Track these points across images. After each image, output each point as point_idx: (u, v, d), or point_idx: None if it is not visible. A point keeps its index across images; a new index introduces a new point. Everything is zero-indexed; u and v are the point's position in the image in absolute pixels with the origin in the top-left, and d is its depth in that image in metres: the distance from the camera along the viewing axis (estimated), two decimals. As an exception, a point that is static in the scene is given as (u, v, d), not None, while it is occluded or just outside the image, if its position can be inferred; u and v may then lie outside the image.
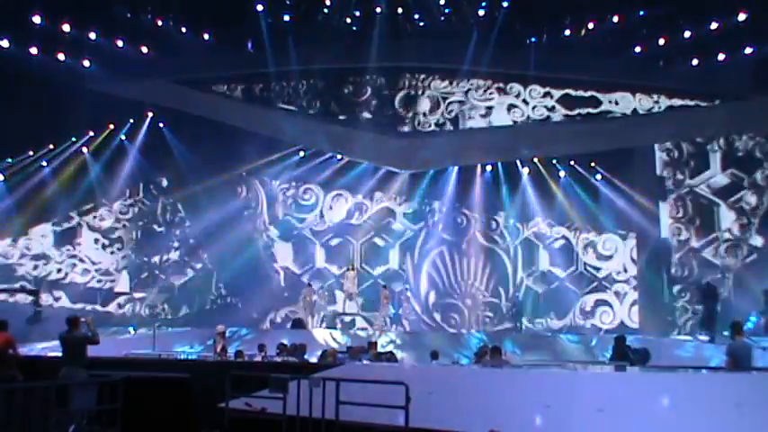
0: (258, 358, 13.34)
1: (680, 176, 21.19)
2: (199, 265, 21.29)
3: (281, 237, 22.31)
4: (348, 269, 20.80)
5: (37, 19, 17.16)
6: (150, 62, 19.13)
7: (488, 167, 22.39)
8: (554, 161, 21.79)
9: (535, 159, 21.72)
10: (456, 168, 22.27)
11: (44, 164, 20.61)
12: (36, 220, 20.53)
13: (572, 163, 21.74)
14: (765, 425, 5.33)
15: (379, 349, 14.96)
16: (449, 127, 21.55)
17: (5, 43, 17.34)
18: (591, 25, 18.35)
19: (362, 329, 19.12)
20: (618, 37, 18.39)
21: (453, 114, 21.46)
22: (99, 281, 21.10)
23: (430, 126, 21.79)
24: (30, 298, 18.07)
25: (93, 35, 18.27)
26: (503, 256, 22.19)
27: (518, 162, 21.95)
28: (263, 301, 21.06)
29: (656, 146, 21.08)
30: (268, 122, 20.96)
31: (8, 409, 7.16)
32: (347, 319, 20.50)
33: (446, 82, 21.30)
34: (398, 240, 22.29)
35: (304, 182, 22.32)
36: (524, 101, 21.12)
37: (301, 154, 22.17)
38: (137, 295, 21.09)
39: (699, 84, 19.13)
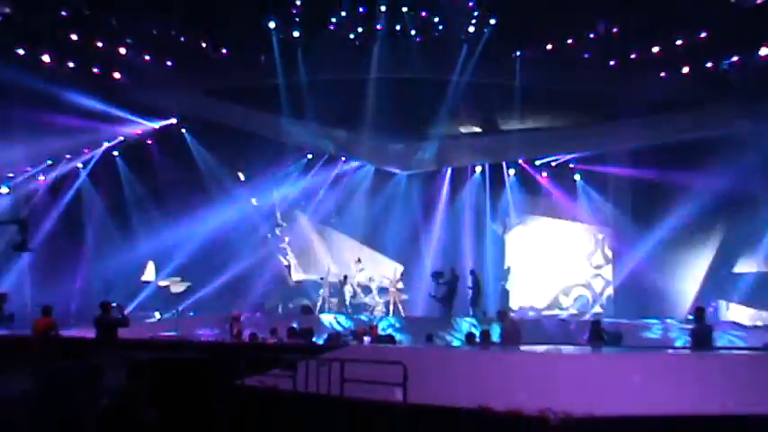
0: (270, 341, 13.33)
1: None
2: (217, 260, 21.01)
3: (291, 233, 22.37)
4: (356, 261, 20.96)
5: (74, 36, 17.27)
6: (174, 74, 19.17)
7: (478, 168, 22.52)
8: (536, 162, 21.99)
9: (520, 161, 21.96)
10: (449, 169, 22.49)
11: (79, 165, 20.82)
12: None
13: (553, 164, 21.88)
14: (723, 397, 5.41)
15: (380, 332, 15.05)
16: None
17: (47, 58, 17.44)
18: (570, 41, 18.35)
19: (365, 314, 19.14)
20: (597, 50, 18.42)
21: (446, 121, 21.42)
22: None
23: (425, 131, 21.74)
24: None
25: (123, 50, 18.39)
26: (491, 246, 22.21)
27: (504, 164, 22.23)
28: (276, 290, 21.19)
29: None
30: (279, 128, 21.03)
31: (48, 385, 7.11)
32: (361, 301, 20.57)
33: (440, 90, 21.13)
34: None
35: (311, 182, 22.34)
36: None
37: (309, 156, 22.36)
38: (161, 283, 21.04)
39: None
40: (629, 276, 20.17)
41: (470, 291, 17.97)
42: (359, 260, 20.70)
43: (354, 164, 22.52)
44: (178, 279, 20.98)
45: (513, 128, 20.28)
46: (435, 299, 17.99)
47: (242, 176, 22.02)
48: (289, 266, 22.18)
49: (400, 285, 19.91)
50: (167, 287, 20.95)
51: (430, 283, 18.55)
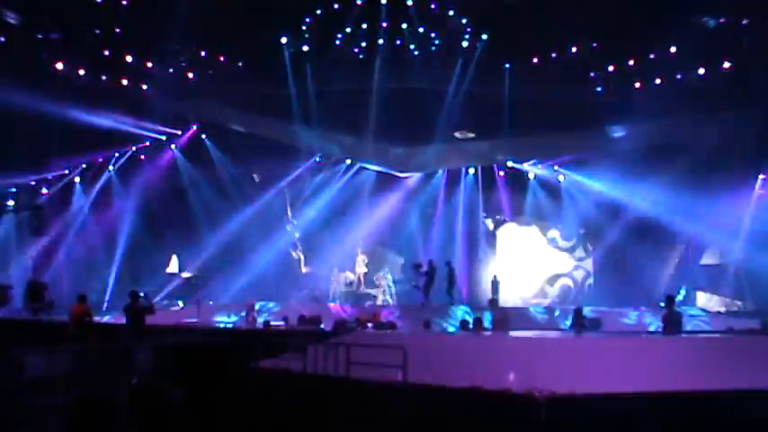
0: (283, 327, 13.32)
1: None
2: (235, 256, 21.08)
3: (301, 230, 22.43)
4: (358, 255, 21.16)
5: (106, 52, 17.32)
6: (195, 85, 19.18)
7: (471, 170, 22.56)
8: (524, 164, 22.00)
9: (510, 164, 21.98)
10: (445, 171, 22.55)
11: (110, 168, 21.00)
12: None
13: (540, 167, 21.96)
14: (692, 378, 5.46)
15: (382, 320, 15.00)
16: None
17: (82, 72, 17.53)
18: (554, 54, 18.33)
19: (370, 301, 19.47)
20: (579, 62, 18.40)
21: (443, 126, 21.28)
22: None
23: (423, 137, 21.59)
24: None
25: (149, 64, 18.40)
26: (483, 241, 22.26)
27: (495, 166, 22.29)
28: (289, 281, 21.06)
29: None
30: (290, 133, 21.01)
31: (84, 365, 7.18)
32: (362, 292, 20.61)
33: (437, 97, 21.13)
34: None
35: (320, 182, 22.36)
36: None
37: (317, 159, 22.45)
38: (184, 275, 21.06)
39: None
40: (607, 268, 20.19)
41: (445, 281, 17.67)
42: (361, 252, 20.81)
43: (359, 166, 22.56)
44: (198, 271, 20.96)
45: (504, 134, 20.20)
46: (416, 287, 17.87)
47: (257, 178, 22.15)
48: (299, 259, 22.33)
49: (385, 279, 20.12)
50: (190, 278, 20.96)
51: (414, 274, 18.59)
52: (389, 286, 20.32)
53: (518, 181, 22.12)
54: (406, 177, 22.60)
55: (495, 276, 20.61)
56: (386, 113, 19.69)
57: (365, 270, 20.82)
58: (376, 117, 20.27)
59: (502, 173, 22.31)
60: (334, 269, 20.81)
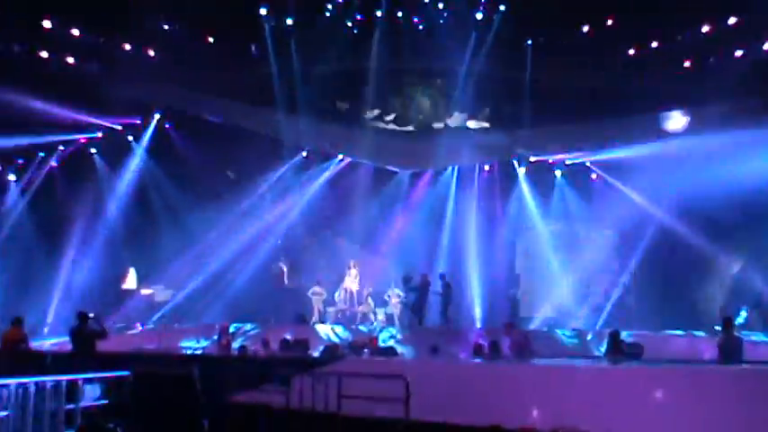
0: (262, 353, 13.28)
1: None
2: (206, 264, 21.15)
3: (284, 236, 22.40)
4: (349, 267, 20.97)
5: (47, 23, 17.14)
6: (156, 65, 19.06)
7: (486, 167, 22.69)
8: (550, 160, 22.03)
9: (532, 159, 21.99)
10: (455, 168, 22.65)
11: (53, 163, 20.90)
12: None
13: (568, 162, 22.04)
14: (754, 415, 5.33)
15: (380, 344, 15.31)
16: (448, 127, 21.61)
17: (18, 48, 17.49)
18: (585, 27, 18.37)
19: (364, 324, 19.26)
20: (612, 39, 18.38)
21: (453, 115, 21.52)
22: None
23: (429, 126, 21.84)
24: None
25: (101, 39, 18.34)
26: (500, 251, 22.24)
27: (515, 162, 22.27)
28: (268, 297, 20.92)
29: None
30: (271, 123, 20.90)
31: (21, 401, 7.13)
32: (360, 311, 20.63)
33: (445, 82, 21.28)
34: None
35: (306, 181, 22.46)
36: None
37: (303, 154, 22.37)
38: (144, 292, 21.03)
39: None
40: (649, 282, 20.15)
41: (440, 297, 17.94)
42: (353, 265, 20.79)
43: (352, 162, 22.64)
44: (162, 287, 21.06)
45: (525, 123, 20.19)
46: (405, 306, 18.16)
47: (231, 175, 22.19)
48: (282, 272, 22.38)
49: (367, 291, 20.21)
50: (151, 295, 20.99)
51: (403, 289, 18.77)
52: (386, 303, 20.33)
53: (542, 179, 22.29)
54: (409, 175, 22.91)
55: (514, 292, 20.72)
56: (385, 99, 20.01)
57: (356, 285, 20.82)
58: (373, 104, 20.55)
59: (523, 169, 22.45)
60: (314, 285, 20.74)
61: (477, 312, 21.31)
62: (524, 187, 22.29)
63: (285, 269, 22.40)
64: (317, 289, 20.77)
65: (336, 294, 20.86)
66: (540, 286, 21.91)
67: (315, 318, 19.95)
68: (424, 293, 17.78)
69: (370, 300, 20.67)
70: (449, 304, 18.03)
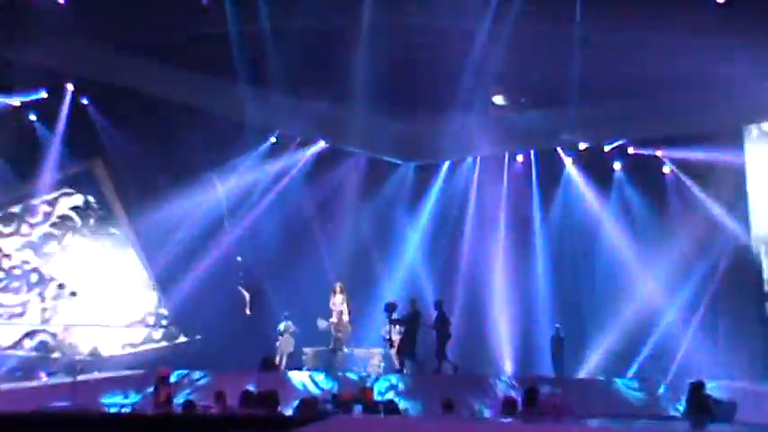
0: (215, 410, 13.00)
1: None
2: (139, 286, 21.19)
3: (248, 248, 22.51)
4: (335, 291, 20.82)
5: None
6: (68, 18, 18.30)
7: (520, 157, 22.95)
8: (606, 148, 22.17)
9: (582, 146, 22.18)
10: (477, 159, 22.98)
11: None
12: None
13: (631, 151, 22.09)
14: None
15: (376, 397, 15.46)
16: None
17: None
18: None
19: (354, 370, 19.30)
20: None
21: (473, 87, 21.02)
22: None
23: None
24: None
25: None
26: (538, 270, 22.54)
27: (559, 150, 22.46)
28: (224, 333, 20.96)
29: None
30: (229, 99, 21.05)
31: None
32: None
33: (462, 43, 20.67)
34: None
35: (277, 175, 22.74)
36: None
37: (272, 140, 22.51)
38: (51, 328, 20.67)
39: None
40: (743, 318, 20.35)
41: (435, 332, 18.35)
42: (340, 290, 20.68)
43: (338, 150, 22.86)
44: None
45: (573, 100, 19.90)
46: (389, 344, 18.71)
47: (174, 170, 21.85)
48: (243, 298, 22.51)
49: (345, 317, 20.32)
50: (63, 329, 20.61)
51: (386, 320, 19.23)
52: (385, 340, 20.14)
53: (596, 173, 22.37)
54: (414, 168, 23.17)
55: (557, 328, 20.91)
56: (382, 69, 19.74)
57: (346, 315, 20.64)
58: (366, 74, 20.17)
59: (569, 160, 22.53)
60: (283, 322, 20.81)
61: (507, 352, 21.73)
62: (576, 183, 22.49)
63: (247, 295, 22.39)
64: (284, 330, 20.83)
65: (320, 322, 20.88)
66: (593, 318, 22.17)
67: (282, 365, 20.07)
68: (413, 328, 18.10)
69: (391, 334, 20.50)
70: (446, 343, 18.33)
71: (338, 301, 20.75)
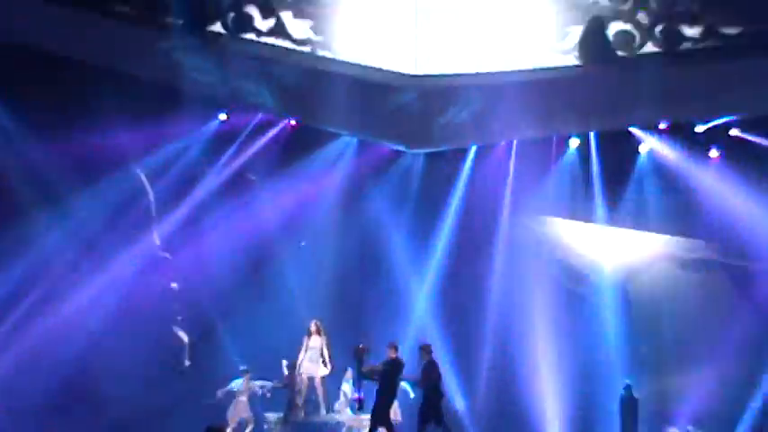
0: None
1: None
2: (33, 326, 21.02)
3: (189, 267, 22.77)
4: (310, 332, 20.79)
5: None
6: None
7: (574, 141, 23.09)
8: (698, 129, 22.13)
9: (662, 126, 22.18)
10: (514, 144, 23.04)
11: None
12: None
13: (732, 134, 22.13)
14: None
15: None
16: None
17: None
18: None
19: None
20: None
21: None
22: None
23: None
24: None
25: None
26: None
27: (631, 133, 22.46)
28: (150, 392, 21.01)
29: None
30: (161, 60, 20.35)
31: None
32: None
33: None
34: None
35: (231, 165, 23.03)
36: (638, 23, 19.79)
37: (222, 117, 22.64)
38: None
39: None
40: None
41: (422, 390, 18.62)
42: (316, 330, 20.82)
43: (315, 131, 22.24)
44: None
45: (652, 58, 19.26)
46: (357, 404, 19.43)
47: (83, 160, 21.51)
48: (182, 344, 22.91)
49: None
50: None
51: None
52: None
53: (683, 163, 22.37)
54: (423, 158, 23.17)
55: (628, 386, 21.36)
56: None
57: (327, 367, 20.89)
58: (354, 19, 19.77)
59: (647, 146, 22.72)
60: (243, 377, 21.01)
61: (555, 422, 22.08)
62: (655, 176, 22.69)
63: (185, 339, 22.64)
64: (240, 390, 20.95)
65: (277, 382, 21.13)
66: (675, 371, 22.63)
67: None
68: (390, 382, 18.14)
69: (343, 395, 21.05)
70: (438, 404, 18.28)
71: (317, 345, 20.78)
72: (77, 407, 20.22)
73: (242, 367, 21.14)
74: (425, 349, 18.77)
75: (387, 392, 18.06)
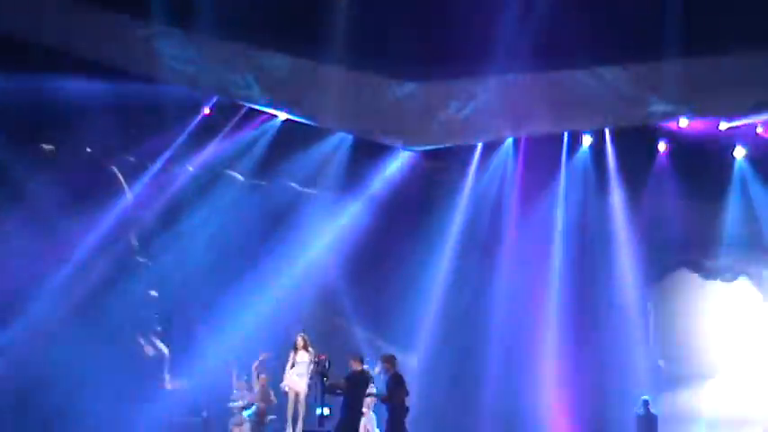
0: None
1: None
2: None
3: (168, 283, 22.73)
4: (296, 346, 20.02)
5: None
6: None
7: (586, 139, 22.87)
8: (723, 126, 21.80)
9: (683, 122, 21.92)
10: (522, 141, 22.82)
11: None
12: None
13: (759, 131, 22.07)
14: None
15: None
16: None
17: None
18: None
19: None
20: None
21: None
22: None
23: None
24: None
25: None
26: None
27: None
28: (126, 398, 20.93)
29: None
30: (138, 48, 20.36)
31: None
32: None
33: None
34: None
35: (212, 164, 22.83)
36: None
37: (205, 111, 22.45)
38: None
39: None
40: None
41: (387, 406, 17.54)
42: (303, 345, 19.93)
43: (305, 127, 22.36)
44: None
45: (669, 51, 18.91)
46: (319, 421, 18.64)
47: (48, 150, 21.97)
48: (159, 355, 22.73)
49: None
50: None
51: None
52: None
53: (705, 162, 22.20)
54: (419, 155, 23.02)
55: (645, 403, 20.76)
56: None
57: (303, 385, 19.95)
58: (351, 11, 19.89)
59: (663, 145, 22.59)
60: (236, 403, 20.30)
61: None
62: (673, 177, 22.48)
63: (165, 349, 22.47)
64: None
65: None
66: (697, 387, 22.54)
67: None
68: (355, 397, 17.33)
69: None
70: (403, 421, 17.38)
71: (303, 361, 19.87)
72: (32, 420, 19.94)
73: (236, 375, 20.43)
74: (389, 361, 17.63)
75: (352, 409, 17.12)
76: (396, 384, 17.34)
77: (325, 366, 18.23)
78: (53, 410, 20.01)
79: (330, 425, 18.20)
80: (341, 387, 17.49)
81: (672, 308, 23.21)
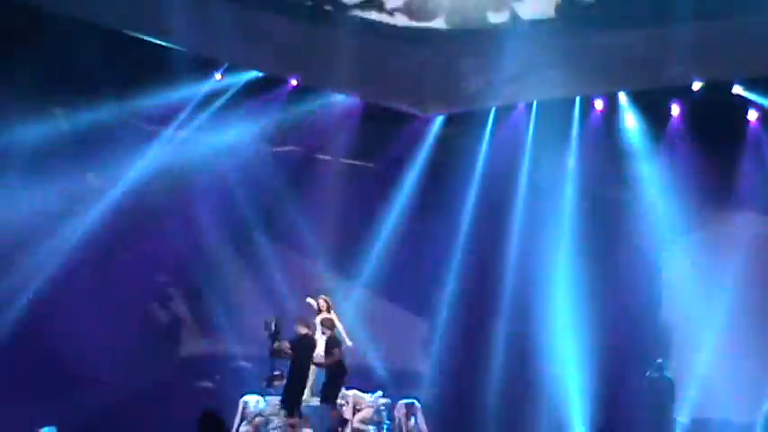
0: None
1: None
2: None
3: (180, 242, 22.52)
4: (319, 309, 19.57)
5: None
6: None
7: (599, 103, 22.51)
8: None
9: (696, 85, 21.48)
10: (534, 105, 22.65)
11: None
12: None
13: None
14: None
15: None
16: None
17: None
18: None
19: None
20: None
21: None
22: None
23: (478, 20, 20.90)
24: None
25: None
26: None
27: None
28: (143, 377, 20.93)
29: None
30: (149, 15, 20.18)
31: None
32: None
33: None
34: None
35: (221, 135, 22.60)
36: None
37: (217, 77, 22.33)
38: None
39: None
40: None
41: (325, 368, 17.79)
42: (326, 306, 19.59)
43: (316, 93, 22.58)
44: None
45: (685, 12, 18.65)
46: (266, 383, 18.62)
47: (62, 117, 21.66)
48: (179, 321, 22.89)
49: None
50: None
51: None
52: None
53: (718, 126, 21.70)
54: (440, 121, 22.82)
55: (659, 365, 20.75)
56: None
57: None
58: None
59: (677, 108, 22.12)
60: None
61: (577, 410, 21.61)
62: (686, 142, 22.15)
63: (184, 315, 22.78)
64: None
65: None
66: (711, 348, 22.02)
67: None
68: (301, 362, 17.40)
69: None
70: (340, 383, 17.69)
71: (328, 322, 19.46)
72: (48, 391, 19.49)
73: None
74: (326, 323, 17.99)
75: (297, 373, 17.20)
76: (333, 345, 17.46)
77: (271, 329, 18.25)
78: (66, 370, 19.96)
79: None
80: (286, 351, 17.68)
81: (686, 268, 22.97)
